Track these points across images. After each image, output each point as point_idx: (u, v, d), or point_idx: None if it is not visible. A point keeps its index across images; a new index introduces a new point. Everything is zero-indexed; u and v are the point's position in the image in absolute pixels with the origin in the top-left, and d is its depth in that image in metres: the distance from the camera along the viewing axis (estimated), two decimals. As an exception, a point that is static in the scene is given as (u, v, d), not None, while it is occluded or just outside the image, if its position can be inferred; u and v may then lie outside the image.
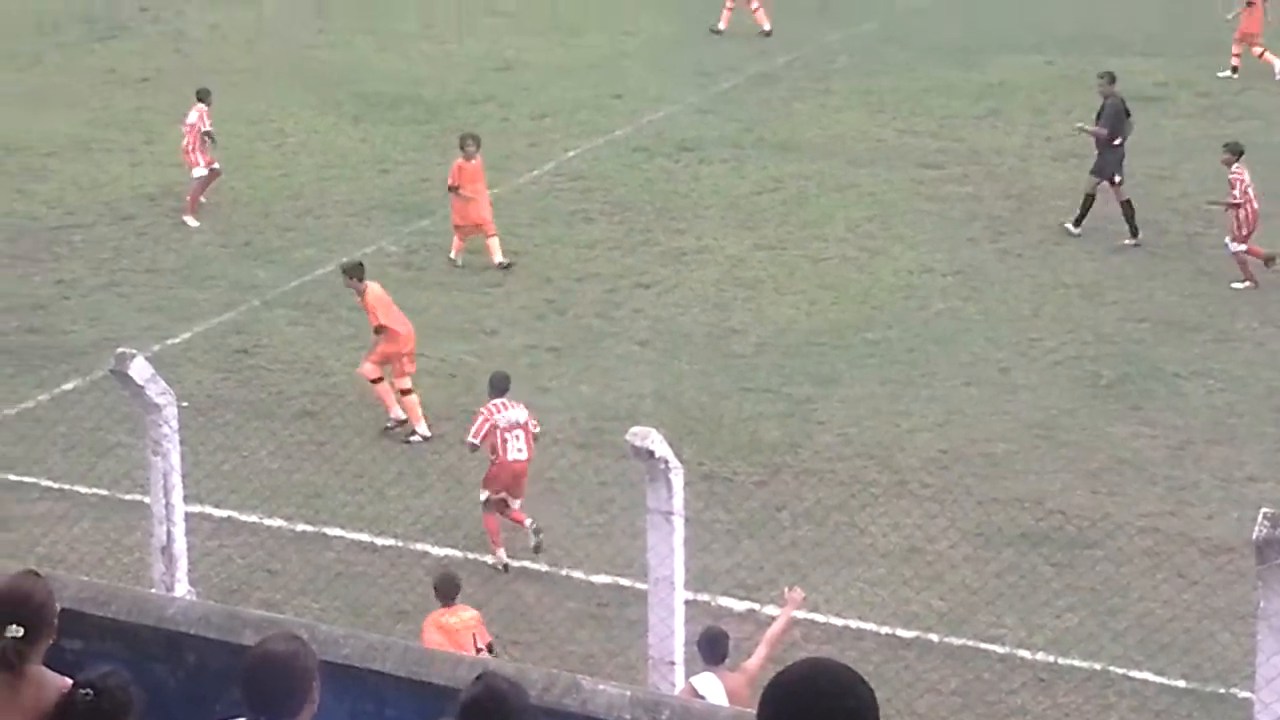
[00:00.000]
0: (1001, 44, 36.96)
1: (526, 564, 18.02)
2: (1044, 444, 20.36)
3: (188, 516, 13.20)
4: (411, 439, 20.58)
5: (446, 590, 15.44)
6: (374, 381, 21.11)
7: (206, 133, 27.35)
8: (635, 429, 11.74)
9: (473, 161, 25.59)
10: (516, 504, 18.50)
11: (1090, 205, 26.79)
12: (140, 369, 12.77)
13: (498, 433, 18.22)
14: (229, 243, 26.52)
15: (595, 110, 32.89)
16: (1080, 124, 27.68)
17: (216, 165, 27.66)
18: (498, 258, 25.69)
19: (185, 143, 27.52)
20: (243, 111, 32.21)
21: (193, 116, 27.63)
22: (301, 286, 24.93)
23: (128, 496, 18.54)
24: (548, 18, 38.93)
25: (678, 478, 11.42)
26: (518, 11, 39.35)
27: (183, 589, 12.99)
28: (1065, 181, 28.49)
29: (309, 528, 18.61)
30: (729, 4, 38.57)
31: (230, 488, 18.90)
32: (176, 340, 23.12)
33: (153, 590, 12.86)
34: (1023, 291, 24.93)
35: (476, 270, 25.61)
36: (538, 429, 18.74)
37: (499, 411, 18.37)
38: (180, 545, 12.97)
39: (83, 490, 19.18)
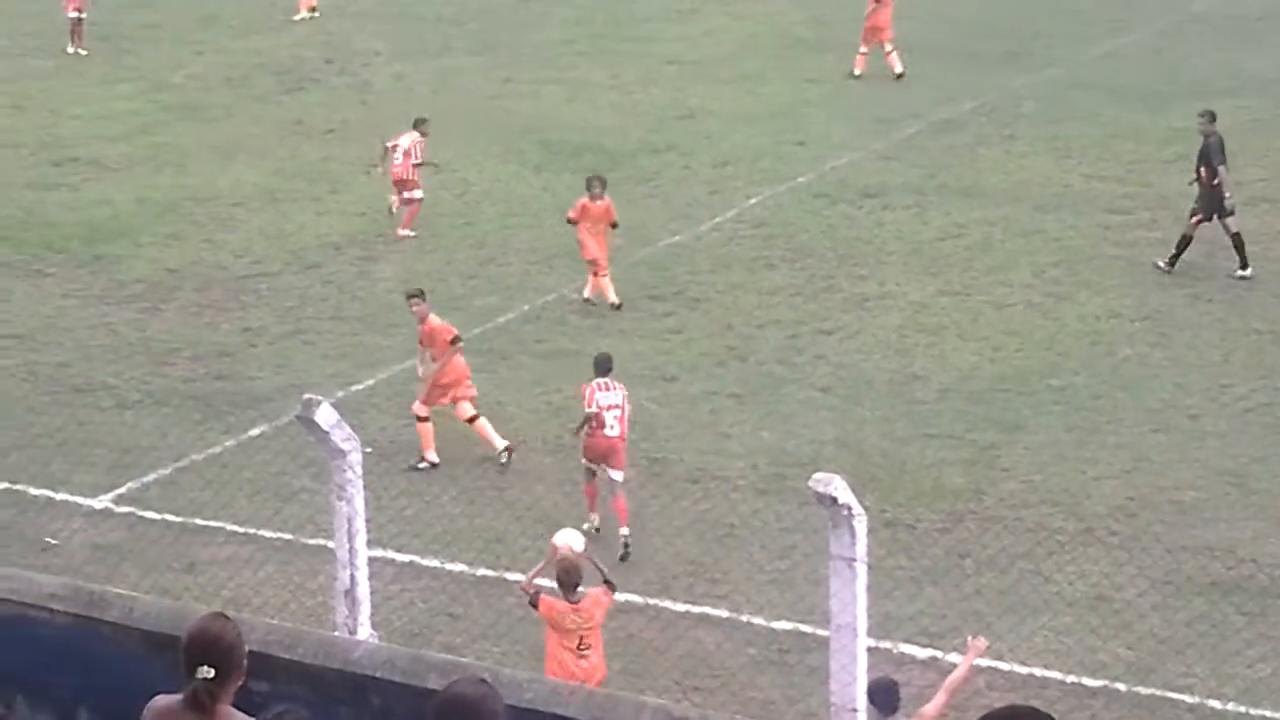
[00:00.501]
0: (1192, 88, 36.41)
1: (708, 610, 17.93)
2: (1234, 491, 19.95)
3: (371, 561, 13.24)
4: (420, 466, 21.02)
5: (569, 582, 15.55)
6: (422, 420, 21.41)
7: (423, 164, 29.11)
8: (818, 475, 11.63)
9: (598, 203, 25.86)
10: (619, 477, 19.44)
11: (1187, 244, 26.85)
12: (326, 415, 12.85)
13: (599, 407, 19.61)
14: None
15: (777, 157, 32.83)
16: (1203, 180, 27.35)
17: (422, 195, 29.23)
18: (611, 297, 25.94)
19: (399, 167, 28.98)
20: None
21: (405, 141, 29.11)
22: (484, 333, 25.03)
23: (312, 541, 18.69)
24: (731, 66, 38.95)
25: (861, 524, 11.30)
26: (702, 60, 39.38)
27: (366, 632, 13.03)
28: (1256, 227, 28.01)
29: (490, 572, 18.64)
30: (862, 49, 38.48)
31: (413, 532, 18.99)
32: (361, 386, 23.32)
33: (336, 634, 12.93)
34: (1212, 337, 24.50)
35: (657, 316, 25.62)
36: (629, 409, 19.94)
37: (600, 390, 19.73)
38: (363, 589, 13.02)
39: (268, 534, 19.37)
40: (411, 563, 18.66)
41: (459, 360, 21.80)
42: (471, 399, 21.66)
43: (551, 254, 27.98)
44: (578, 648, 15.56)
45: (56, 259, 27.93)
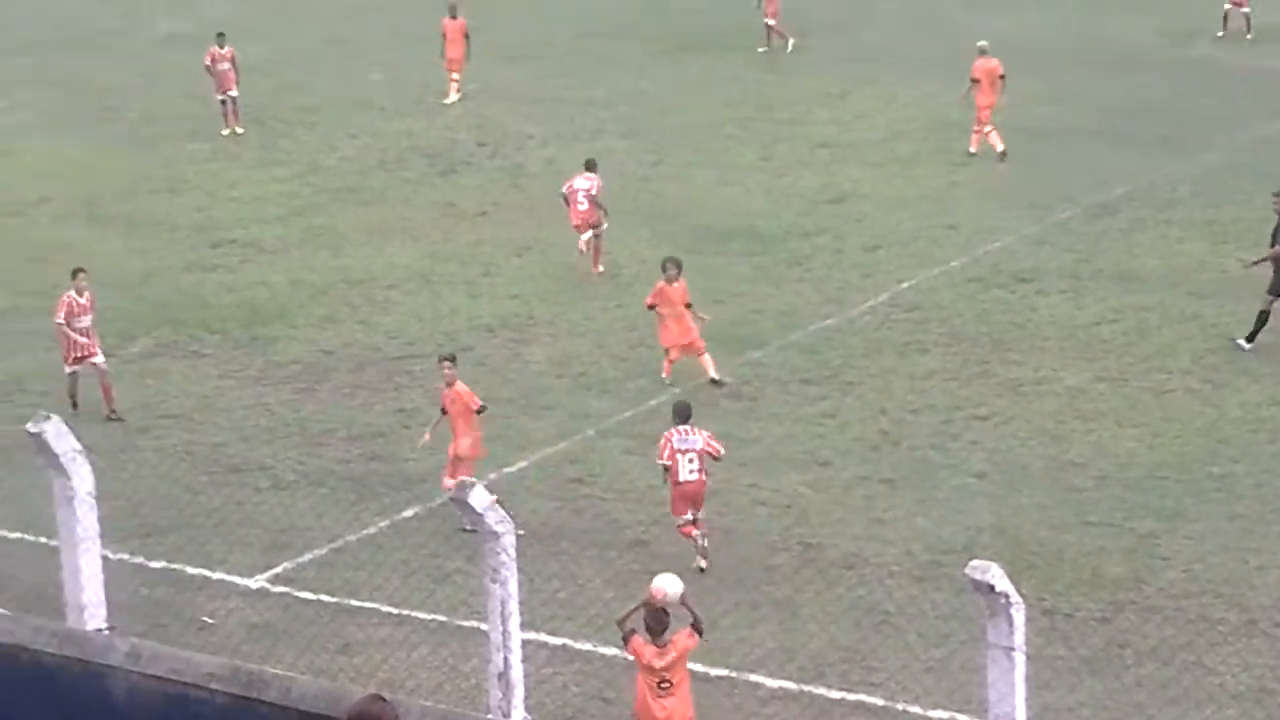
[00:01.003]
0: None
1: (863, 698, 17.75)
2: (1404, 584, 19.51)
3: (524, 644, 13.22)
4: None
5: (656, 627, 15.97)
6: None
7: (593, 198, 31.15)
8: (975, 563, 11.49)
9: (674, 285, 26.16)
10: (698, 515, 20.56)
11: (1264, 322, 26.92)
12: (480, 497, 12.88)
13: (673, 454, 20.57)
14: (565, 373, 26.78)
15: (930, 240, 32.66)
16: (1252, 259, 27.71)
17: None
18: (711, 373, 26.12)
19: (585, 211, 31.07)
20: (577, 244, 32.59)
21: (583, 184, 31.26)
22: (635, 416, 25.03)
23: (465, 623, 18.69)
24: (883, 150, 38.84)
25: (1019, 613, 11.15)
26: (853, 143, 39.32)
27: (519, 715, 12.99)
28: None
29: (643, 657, 18.52)
30: (975, 129, 38.38)
31: (566, 615, 18.95)
32: (513, 469, 23.35)
33: (490, 717, 12.88)
34: (1377, 425, 24.04)
35: (810, 400, 25.49)
36: (722, 452, 20.94)
37: (678, 436, 20.71)
38: (517, 672, 13.00)
39: (422, 616, 19.39)
40: (564, 646, 18.61)
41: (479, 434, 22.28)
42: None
43: (703, 337, 27.88)
44: (659, 685, 15.97)
45: (213, 340, 28.25)
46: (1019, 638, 11.13)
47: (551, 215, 34.32)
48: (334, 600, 19.89)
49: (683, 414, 21.09)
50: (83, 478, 13.33)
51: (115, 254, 32.62)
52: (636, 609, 16.17)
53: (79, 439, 13.50)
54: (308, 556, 21.01)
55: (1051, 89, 43.40)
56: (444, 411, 22.34)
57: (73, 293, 25.35)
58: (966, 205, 34.85)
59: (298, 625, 19.36)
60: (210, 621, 19.48)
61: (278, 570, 20.67)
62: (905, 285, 30.28)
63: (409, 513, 22.08)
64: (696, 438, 20.77)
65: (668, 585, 16.16)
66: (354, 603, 19.80)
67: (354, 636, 19.07)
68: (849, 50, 48.69)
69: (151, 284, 30.96)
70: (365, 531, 21.62)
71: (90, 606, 13.49)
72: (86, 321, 25.33)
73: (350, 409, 25.51)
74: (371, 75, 47.21)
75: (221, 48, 41.90)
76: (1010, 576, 11.27)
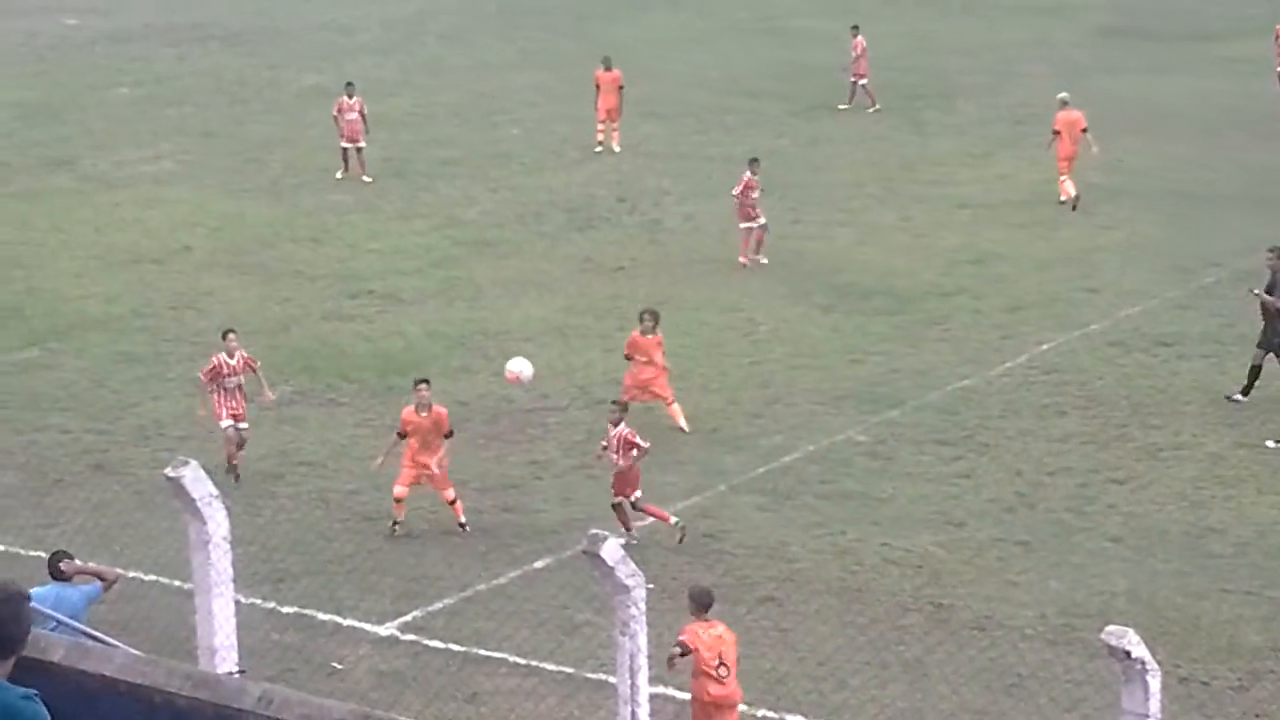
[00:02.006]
0: None
1: (993, 763, 17.50)
2: None
3: (652, 698, 13.15)
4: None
5: (701, 601, 17.23)
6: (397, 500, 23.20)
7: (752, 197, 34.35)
8: (1111, 628, 11.32)
9: (647, 336, 26.74)
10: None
11: (1256, 377, 27.32)
12: (611, 550, 12.86)
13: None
14: (698, 428, 26.71)
15: (1070, 304, 32.36)
16: (1256, 290, 27.89)
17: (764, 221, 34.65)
18: (680, 423, 26.52)
19: (737, 201, 34.56)
20: (715, 300, 32.64)
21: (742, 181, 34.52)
22: (769, 473, 24.93)
23: (593, 675, 18.67)
24: (1024, 211, 38.56)
25: (1154, 680, 10.96)
26: (994, 204, 39.06)
27: (645, 769, 12.91)
28: None
29: (770, 713, 18.45)
30: (1060, 179, 38.79)
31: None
32: (644, 522, 23.22)
33: (615, 769, 12.81)
34: None
35: (945, 461, 25.29)
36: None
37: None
38: (644, 725, 12.92)
39: (550, 667, 19.37)
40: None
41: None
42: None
43: (839, 395, 27.82)
44: (716, 669, 16.83)
45: (350, 389, 28.44)
46: (1154, 705, 10.95)
47: (687, 272, 34.37)
48: (463, 649, 19.92)
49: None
50: (218, 523, 13.41)
51: (256, 302, 32.95)
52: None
53: (215, 484, 13.60)
54: (438, 605, 21.05)
55: (1199, 153, 43.04)
56: (409, 434, 23.46)
57: (223, 354, 25.43)
58: (1109, 268, 34.51)
59: (426, 674, 19.39)
60: (340, 668, 19.55)
61: (408, 618, 20.73)
62: (1045, 347, 30.00)
63: (540, 564, 22.09)
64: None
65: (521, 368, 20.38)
66: (482, 652, 19.82)
67: (482, 686, 19.07)
68: (992, 112, 48.46)
69: (290, 332, 31.23)
70: (496, 581, 21.64)
71: (222, 650, 13.55)
72: (235, 382, 25.36)
73: (483, 460, 25.57)
74: (511, 129, 47.49)
75: (350, 98, 42.52)
76: (1146, 643, 11.09)
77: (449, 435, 23.53)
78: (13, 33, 65.05)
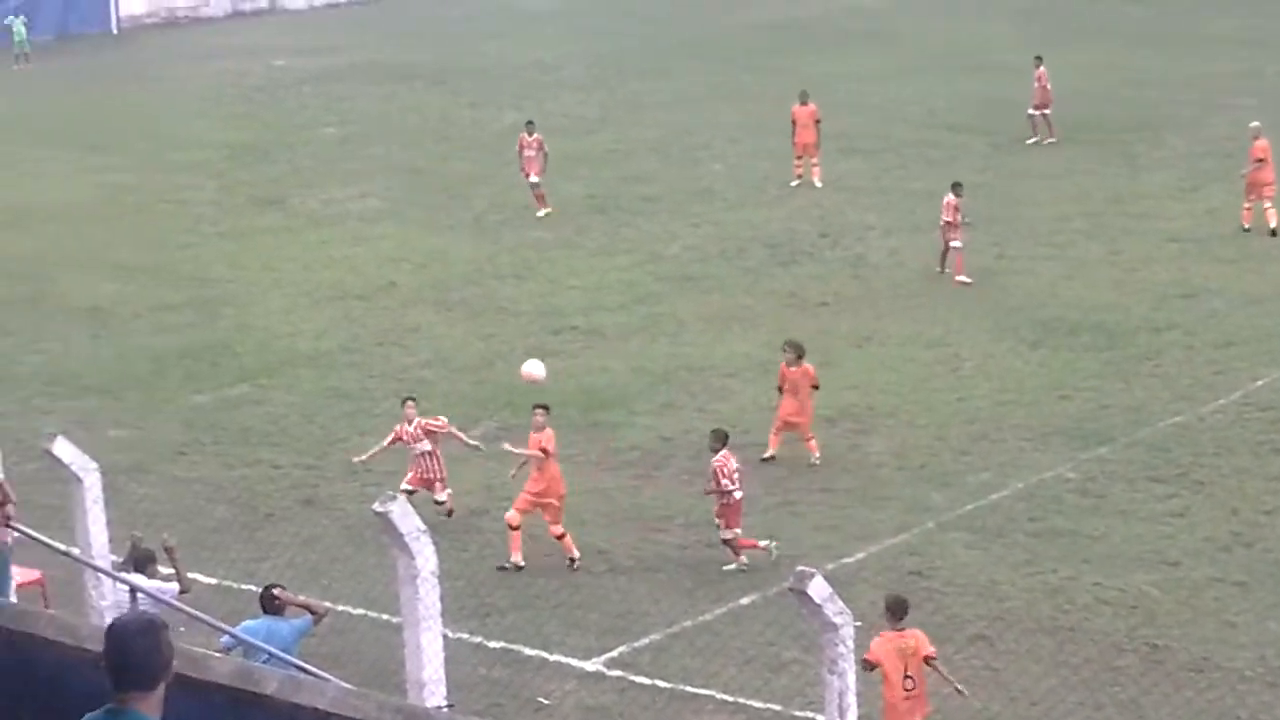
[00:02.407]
0: None
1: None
2: None
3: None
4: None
5: (897, 611, 17.80)
6: (514, 529, 23.33)
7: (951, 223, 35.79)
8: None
9: (791, 368, 26.88)
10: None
11: None
12: (819, 588, 12.74)
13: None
14: (905, 465, 26.44)
15: (1284, 339, 31.63)
16: None
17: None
18: (812, 457, 26.74)
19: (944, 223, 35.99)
20: (920, 336, 32.33)
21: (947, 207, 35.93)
22: (977, 510, 24.59)
23: (801, 713, 18.53)
24: (1235, 245, 37.80)
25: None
26: (1205, 238, 38.33)
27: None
28: None
29: (984, 756, 18.11)
30: (1245, 204, 38.98)
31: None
32: (851, 560, 23.07)
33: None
34: None
35: (1159, 499, 24.78)
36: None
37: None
38: (855, 764, 12.74)
39: (757, 705, 19.20)
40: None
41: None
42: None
43: (1048, 432, 27.38)
44: (903, 681, 17.27)
45: (554, 424, 28.42)
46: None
47: (891, 307, 34.09)
48: (669, 686, 19.81)
49: (723, 439, 23.46)
50: (426, 557, 13.46)
51: (460, 338, 33.17)
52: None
53: (423, 519, 13.63)
54: (644, 641, 20.97)
55: None
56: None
57: (403, 423, 25.15)
58: (1324, 302, 33.70)
59: (633, 709, 19.31)
60: (546, 703, 19.53)
61: (614, 654, 20.66)
62: (1260, 384, 29.33)
63: (746, 600, 21.94)
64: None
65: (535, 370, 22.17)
66: (689, 689, 19.70)
67: (689, 724, 18.95)
68: (1200, 145, 47.60)
69: (494, 368, 31.35)
70: (702, 618, 21.52)
71: (430, 684, 13.59)
72: (420, 449, 25.00)
73: (688, 496, 25.46)
74: (713, 165, 47.46)
75: (530, 135, 43.05)
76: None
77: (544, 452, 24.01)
78: (223, 74, 66.31)
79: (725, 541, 23.15)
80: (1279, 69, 53.17)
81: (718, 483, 23.21)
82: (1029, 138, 48.81)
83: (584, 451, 27.25)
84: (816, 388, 27.06)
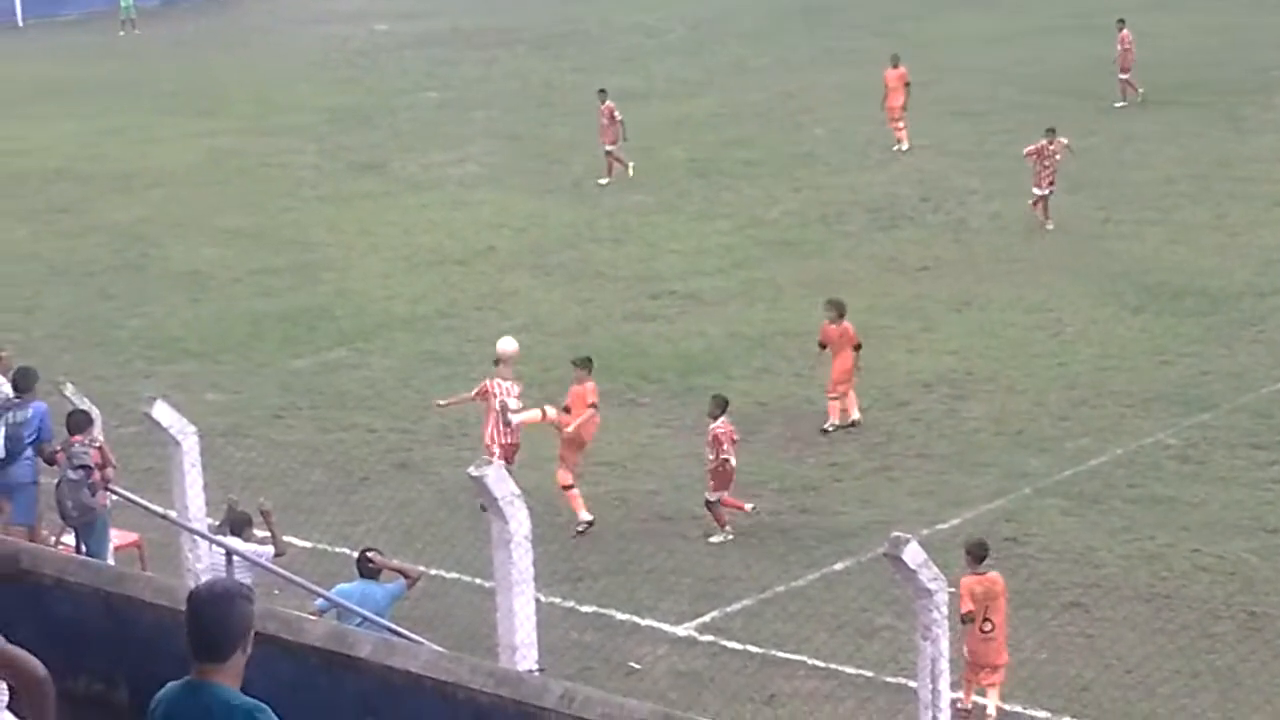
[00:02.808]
0: None
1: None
2: None
3: (952, 702, 12.87)
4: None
5: (977, 553, 18.21)
6: (566, 488, 23.39)
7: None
8: None
9: (831, 326, 26.87)
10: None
11: None
12: (914, 554, 12.67)
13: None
14: (1002, 430, 26.22)
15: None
16: None
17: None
18: (833, 417, 26.57)
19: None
20: (1021, 300, 32.06)
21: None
22: (1075, 476, 24.35)
23: (893, 680, 18.39)
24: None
25: None
26: (1314, 202, 37.88)
27: (944, 776, 12.66)
28: None
29: (1074, 721, 17.98)
30: None
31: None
32: (945, 525, 22.90)
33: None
34: None
35: (1260, 465, 24.47)
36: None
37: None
38: (946, 732, 12.67)
39: (849, 671, 19.10)
40: (998, 708, 18.12)
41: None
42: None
43: (1148, 398, 27.10)
44: (982, 624, 17.68)
45: (650, 389, 28.46)
46: None
47: (992, 271, 33.84)
48: (760, 651, 19.74)
49: (721, 404, 23.36)
50: (520, 521, 13.46)
51: (558, 303, 33.19)
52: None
53: (518, 484, 13.63)
54: (736, 606, 20.91)
55: None
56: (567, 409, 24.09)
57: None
58: None
59: (724, 675, 19.26)
60: (638, 667, 19.51)
61: (705, 619, 20.61)
62: (1367, 349, 28.93)
63: (839, 566, 21.82)
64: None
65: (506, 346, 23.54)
66: (781, 654, 19.62)
67: (780, 688, 18.87)
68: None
69: (591, 333, 31.35)
70: (794, 584, 21.43)
71: (522, 648, 13.59)
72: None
73: (783, 461, 25.38)
74: (815, 130, 47.25)
75: (603, 103, 42.96)
76: None
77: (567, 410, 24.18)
78: (328, 38, 66.62)
79: (709, 504, 23.04)
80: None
81: (719, 451, 23.02)
82: (1118, 101, 48.41)
83: (679, 417, 27.20)
84: (859, 348, 26.84)
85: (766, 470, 25.00)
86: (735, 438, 23.37)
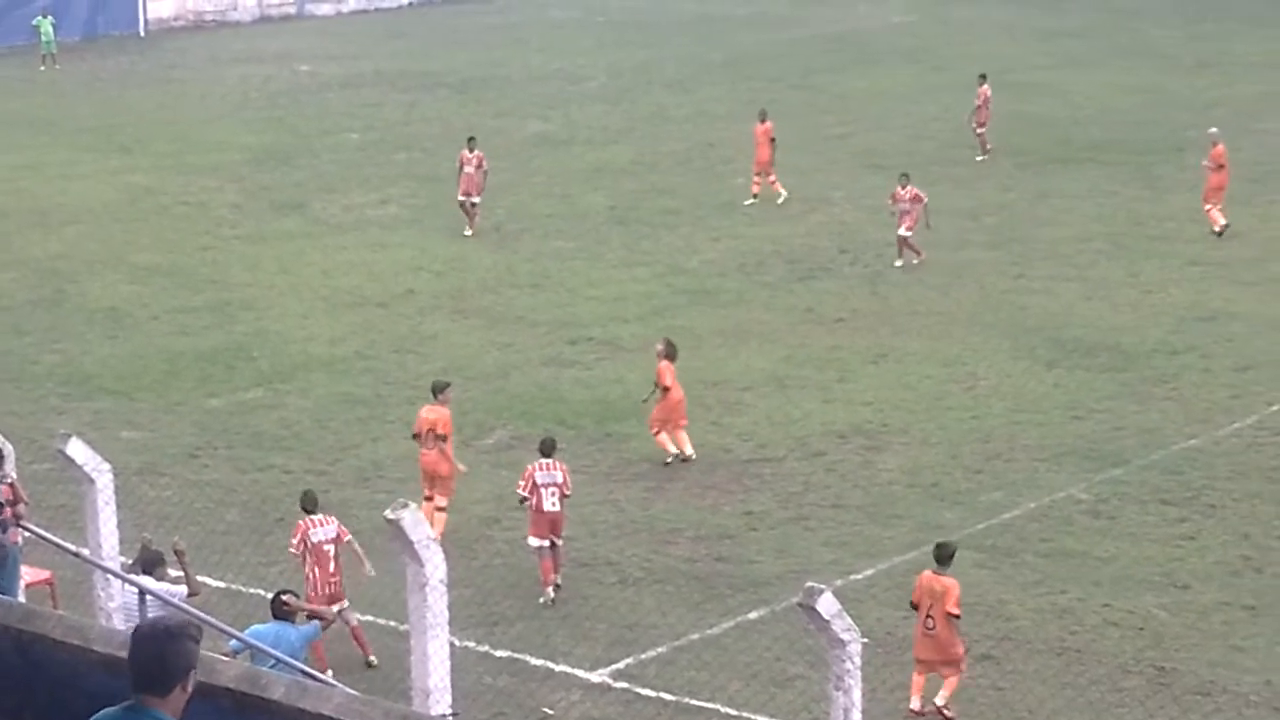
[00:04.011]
0: None
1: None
2: None
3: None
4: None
5: (941, 556, 19.64)
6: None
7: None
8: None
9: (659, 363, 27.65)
10: (560, 543, 22.88)
11: None
12: (827, 604, 12.76)
13: (536, 488, 22.74)
14: (916, 482, 26.41)
15: (1303, 363, 31.52)
16: None
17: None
18: (668, 449, 27.36)
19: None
20: (936, 353, 32.30)
21: None
22: (988, 529, 24.56)
23: (805, 730, 18.48)
24: (1257, 269, 37.70)
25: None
26: (1226, 261, 38.26)
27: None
28: None
29: (986, 776, 18.08)
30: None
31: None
32: (860, 576, 23.06)
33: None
34: None
35: (1170, 521, 24.74)
36: (569, 492, 23.13)
37: (539, 471, 22.94)
38: (856, 781, 12.74)
39: (762, 719, 19.19)
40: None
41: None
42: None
43: (1061, 452, 27.34)
44: (924, 621, 19.26)
45: (567, 435, 28.46)
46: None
47: (908, 324, 34.07)
48: (674, 699, 19.81)
49: (547, 448, 23.47)
50: (436, 565, 13.48)
51: (477, 347, 33.20)
52: None
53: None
54: (650, 654, 20.97)
55: None
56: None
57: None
58: (1346, 328, 33.56)
59: (637, 722, 19.30)
60: (551, 713, 19.53)
61: (619, 666, 20.66)
62: (1275, 408, 29.25)
63: (754, 614, 21.92)
64: (557, 473, 23.05)
65: None
66: (694, 702, 19.69)
67: (692, 737, 18.94)
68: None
69: (510, 377, 31.39)
70: (709, 632, 21.51)
71: (436, 692, 13.60)
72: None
73: (699, 509, 25.48)
74: (735, 179, 47.45)
75: (470, 151, 42.12)
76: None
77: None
78: (250, 78, 66.46)
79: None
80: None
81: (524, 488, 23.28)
82: (979, 155, 48.99)
83: (596, 463, 27.28)
84: (662, 388, 27.40)
85: (683, 518, 25.09)
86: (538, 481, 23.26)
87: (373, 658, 20.62)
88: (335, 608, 20.29)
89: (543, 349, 33.17)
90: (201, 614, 17.07)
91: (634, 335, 33.91)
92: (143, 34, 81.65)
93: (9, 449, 20.50)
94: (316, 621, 18.18)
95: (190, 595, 18.42)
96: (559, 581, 22.73)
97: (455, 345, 33.41)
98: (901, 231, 38.10)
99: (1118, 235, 40.82)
